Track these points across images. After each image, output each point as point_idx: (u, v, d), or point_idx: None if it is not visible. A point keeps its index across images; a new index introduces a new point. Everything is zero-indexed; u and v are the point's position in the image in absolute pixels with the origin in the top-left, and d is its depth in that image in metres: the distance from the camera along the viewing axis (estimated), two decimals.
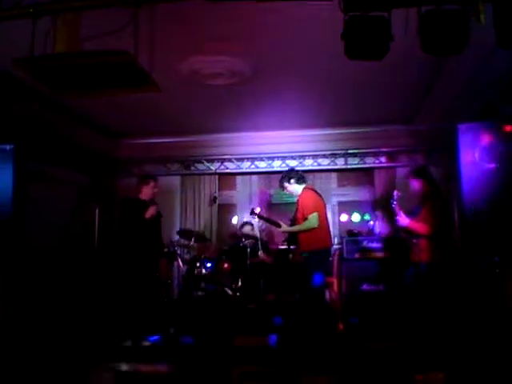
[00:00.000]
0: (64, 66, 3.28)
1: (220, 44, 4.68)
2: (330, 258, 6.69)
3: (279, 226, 6.04)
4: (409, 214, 5.37)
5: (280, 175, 6.15)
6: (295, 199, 5.92)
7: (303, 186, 5.86)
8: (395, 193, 5.43)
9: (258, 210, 6.71)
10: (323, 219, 5.70)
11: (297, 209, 5.83)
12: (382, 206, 7.60)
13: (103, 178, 8.24)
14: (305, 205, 5.64)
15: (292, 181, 5.84)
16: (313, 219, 5.52)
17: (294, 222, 5.89)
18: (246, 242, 6.82)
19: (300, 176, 5.92)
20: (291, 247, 6.11)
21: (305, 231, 5.60)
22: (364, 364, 3.89)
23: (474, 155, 4.05)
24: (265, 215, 6.89)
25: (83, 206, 6.30)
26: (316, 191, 6.02)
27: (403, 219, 5.28)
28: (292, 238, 5.95)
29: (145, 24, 3.47)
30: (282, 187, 6.01)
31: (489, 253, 4.21)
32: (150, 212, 6.11)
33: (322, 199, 5.96)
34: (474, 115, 5.25)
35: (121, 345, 5.24)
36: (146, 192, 6.19)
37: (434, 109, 6.25)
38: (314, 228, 5.52)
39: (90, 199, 6.83)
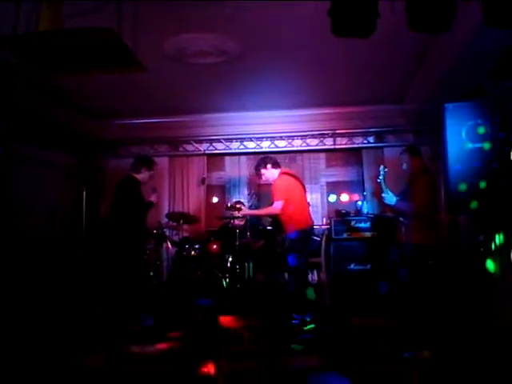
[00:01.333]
0: (48, 44, 3.23)
1: (207, 21, 4.61)
2: (318, 238, 6.77)
3: (239, 209, 6.21)
4: (397, 194, 5.39)
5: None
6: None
7: (279, 170, 5.97)
8: (381, 167, 5.43)
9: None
10: (299, 202, 5.83)
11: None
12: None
13: (90, 160, 8.18)
14: (275, 190, 5.76)
15: (268, 166, 5.93)
16: (276, 206, 5.66)
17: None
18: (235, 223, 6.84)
19: (275, 160, 6.06)
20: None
21: (266, 216, 6.00)
22: (352, 341, 3.93)
23: (460, 134, 4.07)
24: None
25: (70, 187, 6.25)
26: (292, 174, 6.12)
27: (390, 197, 5.29)
28: (275, 223, 6.17)
29: (129, 3, 3.43)
30: (259, 175, 6.09)
31: (474, 232, 4.26)
32: (154, 198, 6.17)
33: (299, 181, 6.09)
34: (462, 95, 5.25)
35: (111, 327, 5.25)
36: (145, 175, 6.08)
37: (422, 88, 6.24)
38: (275, 214, 5.74)
39: (76, 181, 6.79)
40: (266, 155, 6.64)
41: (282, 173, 5.96)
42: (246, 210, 6.11)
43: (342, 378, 3.68)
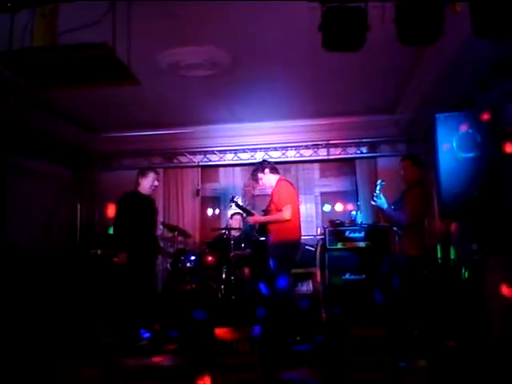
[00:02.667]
0: (42, 59, 3.26)
1: (199, 34, 4.66)
2: (312, 248, 6.78)
3: (251, 214, 6.05)
4: (391, 204, 5.38)
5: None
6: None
7: (277, 176, 5.82)
8: (379, 182, 5.27)
9: (236, 198, 6.80)
10: (296, 211, 5.65)
11: (271, 200, 5.76)
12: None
13: (84, 173, 8.19)
14: (280, 196, 5.56)
15: (266, 170, 5.75)
16: (286, 211, 5.44)
17: (266, 213, 5.89)
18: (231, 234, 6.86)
19: (273, 166, 5.88)
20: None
21: (275, 222, 5.56)
22: (348, 351, 3.93)
23: (451, 144, 4.11)
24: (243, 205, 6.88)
25: (64, 201, 6.22)
26: (290, 182, 6.00)
27: (382, 202, 5.19)
28: (262, 229, 5.94)
29: (122, 16, 3.45)
30: (256, 179, 5.91)
31: (467, 241, 4.29)
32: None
33: (296, 191, 5.95)
34: (452, 105, 5.30)
35: (106, 341, 5.23)
36: (145, 185, 5.82)
37: (413, 99, 6.29)
38: (286, 220, 5.46)
39: (71, 194, 6.76)
40: (264, 159, 6.52)
41: (282, 179, 5.88)
42: (257, 217, 5.94)
43: None
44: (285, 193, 5.60)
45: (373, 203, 5.28)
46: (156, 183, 5.94)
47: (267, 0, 3.84)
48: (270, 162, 6.14)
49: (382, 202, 5.16)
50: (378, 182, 5.30)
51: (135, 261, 5.53)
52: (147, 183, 5.81)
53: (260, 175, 5.80)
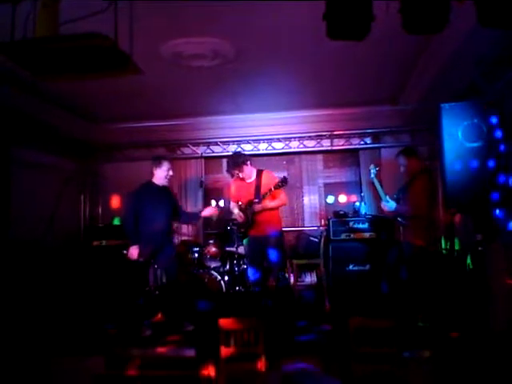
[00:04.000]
0: (44, 50, 3.24)
1: (202, 25, 4.63)
2: (316, 239, 6.81)
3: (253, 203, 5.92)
4: (395, 193, 5.38)
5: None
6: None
7: (252, 167, 5.99)
8: (371, 166, 5.51)
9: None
10: None
11: (258, 190, 5.77)
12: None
13: (87, 164, 8.19)
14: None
15: (248, 162, 5.89)
16: (284, 197, 5.83)
17: (250, 204, 5.83)
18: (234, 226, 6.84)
19: (249, 157, 6.06)
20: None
21: (277, 207, 5.86)
22: (351, 343, 3.93)
23: (456, 134, 4.09)
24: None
25: (68, 192, 6.22)
26: None
27: (390, 204, 5.26)
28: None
29: (125, 7, 3.43)
30: (239, 171, 5.88)
31: (471, 231, 4.28)
32: (208, 211, 5.99)
33: None
34: (456, 95, 5.27)
35: (111, 330, 5.25)
36: (160, 175, 5.63)
37: (417, 89, 6.25)
38: (285, 204, 5.98)
39: (74, 186, 6.77)
40: (239, 152, 6.77)
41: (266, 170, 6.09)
42: (264, 203, 5.74)
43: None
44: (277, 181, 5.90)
45: (383, 207, 5.42)
46: (171, 173, 5.75)
47: None
48: (244, 154, 6.35)
49: (390, 204, 5.31)
50: (371, 167, 5.39)
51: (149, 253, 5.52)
52: (162, 173, 5.64)
53: (244, 167, 5.88)
